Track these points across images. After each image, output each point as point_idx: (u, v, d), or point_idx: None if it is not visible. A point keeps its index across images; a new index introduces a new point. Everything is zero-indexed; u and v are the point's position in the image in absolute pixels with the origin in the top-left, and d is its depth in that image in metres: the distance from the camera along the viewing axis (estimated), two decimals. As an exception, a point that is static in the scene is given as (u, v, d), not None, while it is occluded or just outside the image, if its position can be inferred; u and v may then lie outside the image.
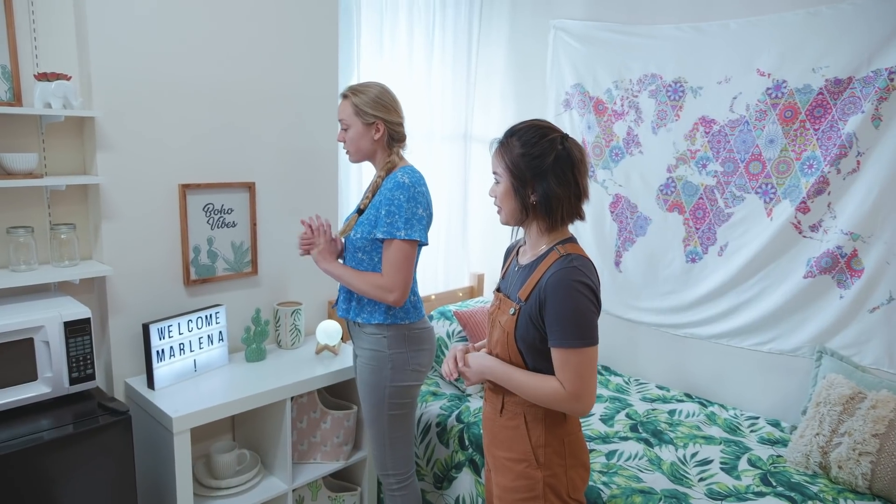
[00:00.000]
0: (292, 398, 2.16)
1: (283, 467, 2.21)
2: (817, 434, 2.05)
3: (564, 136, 1.41)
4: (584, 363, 1.34)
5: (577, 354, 1.34)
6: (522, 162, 1.39)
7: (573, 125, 2.99)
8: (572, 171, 1.38)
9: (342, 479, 2.52)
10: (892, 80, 2.11)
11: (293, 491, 2.22)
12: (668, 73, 2.65)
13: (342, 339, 2.45)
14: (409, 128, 2.88)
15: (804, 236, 2.35)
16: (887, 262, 2.19)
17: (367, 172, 2.74)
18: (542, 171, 1.38)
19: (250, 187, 2.32)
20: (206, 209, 2.22)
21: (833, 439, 2.01)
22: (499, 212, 1.50)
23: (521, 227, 1.53)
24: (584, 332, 1.33)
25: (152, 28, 2.01)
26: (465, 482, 2.29)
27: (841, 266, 2.28)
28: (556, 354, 1.37)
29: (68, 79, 1.83)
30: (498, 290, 1.58)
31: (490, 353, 1.54)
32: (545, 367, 1.42)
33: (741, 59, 2.43)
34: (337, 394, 2.48)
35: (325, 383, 2.24)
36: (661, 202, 2.74)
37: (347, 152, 1.98)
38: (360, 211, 1.95)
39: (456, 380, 1.65)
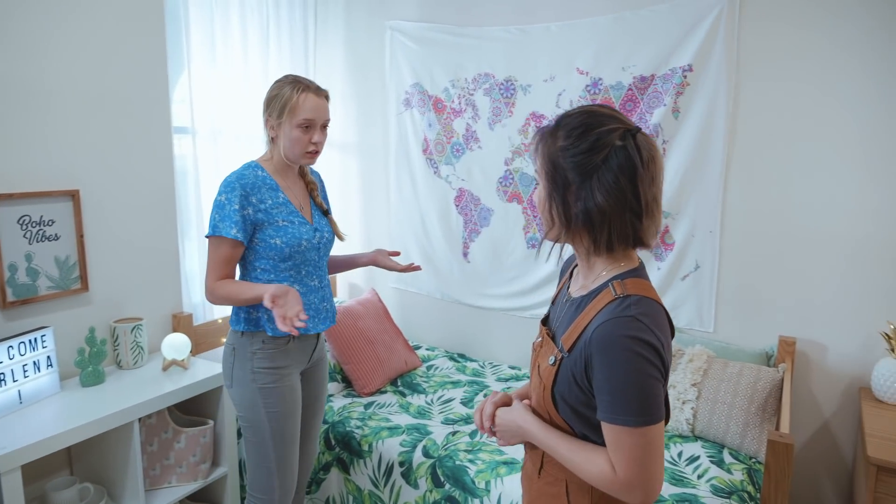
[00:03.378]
0: (140, 419, 2.01)
1: (133, 496, 2.04)
2: (648, 390, 2.30)
3: (631, 131, 1.03)
4: (643, 446, 0.99)
5: (632, 435, 0.99)
6: (563, 158, 1.04)
7: (415, 123, 3.08)
8: (630, 177, 1.01)
9: (202, 501, 2.38)
10: (685, 77, 2.43)
11: (148, 519, 2.06)
12: (500, 72, 2.82)
13: (191, 352, 2.32)
14: (249, 130, 2.83)
15: (625, 217, 2.63)
16: (692, 235, 2.52)
17: (205, 174, 2.61)
18: (588, 173, 1.02)
19: (74, 195, 2.11)
20: (21, 222, 1.99)
21: (661, 393, 2.28)
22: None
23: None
24: (641, 407, 0.98)
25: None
26: (432, 518, 2.23)
27: (657, 241, 2.58)
28: (607, 431, 1.02)
29: None
30: (545, 319, 1.23)
31: (530, 403, 1.20)
32: (593, 436, 1.08)
33: (563, 59, 2.67)
34: (189, 410, 2.34)
35: (176, 400, 2.10)
36: (501, 194, 2.91)
37: (315, 154, 1.85)
38: (326, 212, 1.98)
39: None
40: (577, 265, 1.19)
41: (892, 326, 2.19)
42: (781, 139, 2.34)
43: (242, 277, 1.88)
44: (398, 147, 3.17)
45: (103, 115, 2.18)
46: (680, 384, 2.22)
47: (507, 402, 1.23)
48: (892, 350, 2.16)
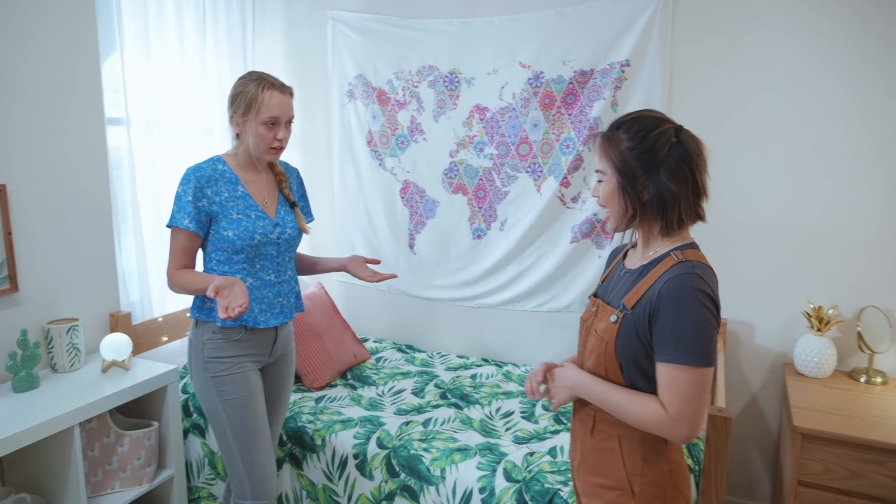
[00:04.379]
0: (80, 424, 1.93)
1: None
2: (593, 374, 2.40)
3: (679, 128, 1.26)
4: (697, 385, 1.16)
5: (690, 374, 1.16)
6: (631, 156, 1.24)
7: (359, 115, 3.06)
8: (689, 165, 1.23)
9: (147, 504, 2.31)
10: (623, 71, 2.52)
11: (91, 527, 1.98)
12: (444, 64, 2.84)
13: (132, 353, 2.24)
14: (188, 123, 2.74)
15: (568, 207, 2.72)
16: (631, 223, 2.62)
17: (140, 167, 2.51)
18: (654, 166, 1.22)
19: (0, 190, 1.99)
20: (-59, 219, 1.86)
21: (605, 376, 2.38)
22: (606, 216, 1.35)
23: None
24: (702, 350, 1.16)
25: None
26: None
27: (597, 230, 2.68)
28: (665, 371, 1.19)
29: None
30: (595, 294, 1.42)
31: (581, 365, 1.37)
32: (643, 385, 1.25)
33: (506, 53, 2.71)
34: (132, 412, 2.26)
35: (118, 403, 2.03)
36: (446, 185, 2.94)
37: (279, 150, 1.87)
38: (293, 204, 1.97)
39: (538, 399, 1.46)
40: (626, 251, 1.42)
41: (811, 305, 2.36)
42: (711, 132, 2.46)
43: (203, 267, 1.90)
44: (342, 139, 3.14)
45: (30, 105, 2.06)
46: (623, 366, 2.32)
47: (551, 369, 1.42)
48: (812, 327, 2.33)
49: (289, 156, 3.27)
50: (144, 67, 2.51)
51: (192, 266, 1.85)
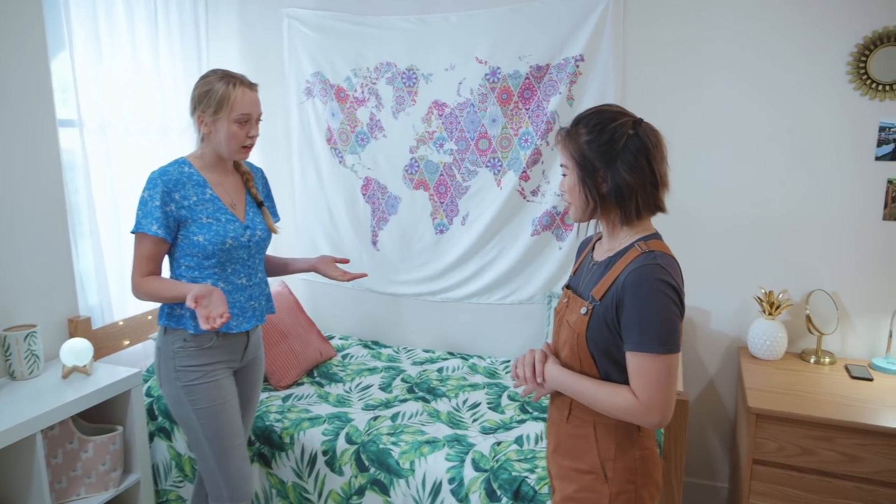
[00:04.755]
0: (42, 431, 1.90)
1: (39, 513, 1.93)
2: (556, 363, 2.46)
3: (637, 121, 1.29)
4: (663, 371, 1.21)
5: (656, 361, 1.21)
6: (589, 150, 1.28)
7: (317, 113, 3.05)
8: (646, 157, 1.26)
9: (113, 511, 2.28)
10: (577, 66, 2.58)
11: (56, 536, 1.96)
12: (402, 61, 2.86)
13: (93, 357, 2.21)
14: (143, 123, 2.69)
15: (528, 200, 2.76)
16: (589, 215, 2.69)
17: (95, 169, 2.47)
18: (612, 158, 1.26)
19: (-52, 197, 1.94)
20: None
21: (568, 364, 2.44)
22: (566, 208, 1.38)
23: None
24: (665, 337, 1.21)
25: None
26: (374, 506, 2.20)
27: (557, 222, 2.73)
28: (632, 360, 1.24)
29: None
30: (567, 286, 1.46)
31: (556, 354, 1.42)
32: (616, 375, 1.30)
33: (462, 49, 2.74)
34: (95, 418, 2.23)
35: (80, 408, 2.00)
36: (407, 181, 2.96)
37: (250, 147, 1.85)
38: (260, 203, 1.94)
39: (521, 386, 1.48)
40: (595, 242, 1.45)
41: (763, 291, 2.46)
42: (665, 124, 2.51)
43: (170, 273, 1.86)
44: (301, 137, 3.13)
45: (-22, 108, 2.01)
46: (585, 354, 2.39)
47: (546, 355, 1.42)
48: (764, 312, 2.42)
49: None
50: (96, 67, 2.46)
51: (159, 272, 1.80)
